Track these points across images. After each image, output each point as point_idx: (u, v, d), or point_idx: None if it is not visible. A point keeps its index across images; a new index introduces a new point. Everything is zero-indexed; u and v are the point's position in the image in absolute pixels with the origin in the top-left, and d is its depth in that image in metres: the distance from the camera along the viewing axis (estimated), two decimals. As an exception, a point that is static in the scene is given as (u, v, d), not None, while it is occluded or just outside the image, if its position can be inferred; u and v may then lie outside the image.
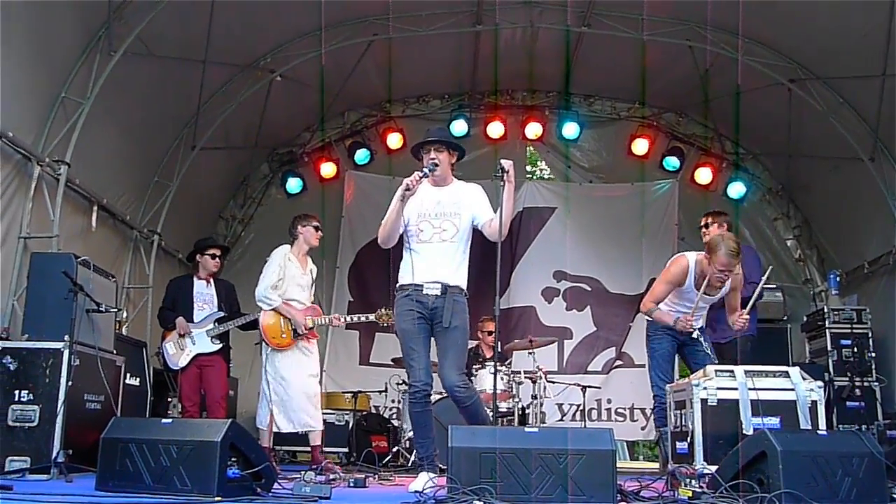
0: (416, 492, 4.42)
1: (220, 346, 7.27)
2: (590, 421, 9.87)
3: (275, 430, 6.74)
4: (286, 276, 6.84)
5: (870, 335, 8.81)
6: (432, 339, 5.19)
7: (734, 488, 4.10)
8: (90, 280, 5.94)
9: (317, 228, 7.05)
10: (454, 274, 5.16)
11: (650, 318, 6.07)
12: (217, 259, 7.51)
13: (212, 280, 7.49)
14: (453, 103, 11.24)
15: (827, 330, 8.88)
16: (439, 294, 5.07)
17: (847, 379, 8.64)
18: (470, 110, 11.15)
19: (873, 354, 8.75)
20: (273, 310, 6.77)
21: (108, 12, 6.99)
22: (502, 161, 4.99)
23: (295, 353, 6.80)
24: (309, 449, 7.10)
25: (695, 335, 5.82)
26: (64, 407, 5.37)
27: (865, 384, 8.60)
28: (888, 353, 8.97)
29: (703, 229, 6.76)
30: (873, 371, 8.72)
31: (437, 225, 5.16)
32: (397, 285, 5.26)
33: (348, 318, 7.48)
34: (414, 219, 5.17)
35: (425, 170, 5.09)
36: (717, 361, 5.76)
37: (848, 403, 8.59)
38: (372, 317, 7.07)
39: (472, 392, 5.16)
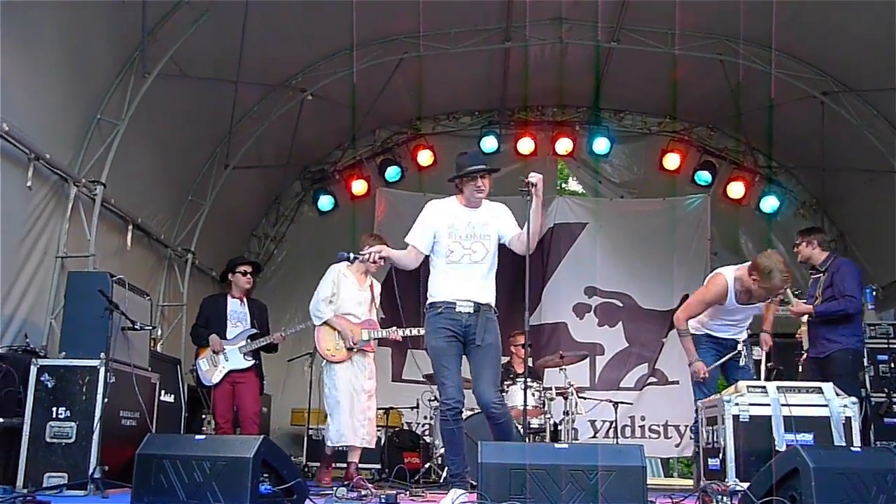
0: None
1: (253, 362, 7.35)
2: (623, 438, 9.79)
3: (328, 443, 6.88)
4: (340, 292, 7.07)
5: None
6: (463, 356, 5.20)
7: (767, 505, 4.07)
8: (125, 298, 6.04)
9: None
10: (485, 292, 5.18)
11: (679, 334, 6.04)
12: (249, 276, 7.60)
13: (245, 299, 7.60)
14: (483, 119, 11.28)
15: (863, 345, 8.74)
16: (472, 312, 5.08)
17: (884, 395, 8.49)
18: (500, 126, 11.16)
19: (858, 377, 8.59)
20: (325, 323, 6.95)
21: (143, 35, 7.12)
22: (530, 175, 5.01)
23: (349, 367, 6.97)
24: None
25: (739, 347, 5.79)
26: (100, 423, 5.44)
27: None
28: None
29: (797, 247, 6.88)
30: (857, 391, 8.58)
31: (468, 246, 5.18)
32: (428, 303, 5.27)
33: (404, 332, 7.43)
34: (445, 239, 5.19)
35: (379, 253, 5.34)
36: (755, 377, 5.73)
37: (886, 420, 8.43)
38: (416, 331, 7.08)
39: (507, 409, 5.17)
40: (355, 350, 6.98)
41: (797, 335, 6.85)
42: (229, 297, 7.55)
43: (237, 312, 7.49)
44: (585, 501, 4.02)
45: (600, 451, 4.21)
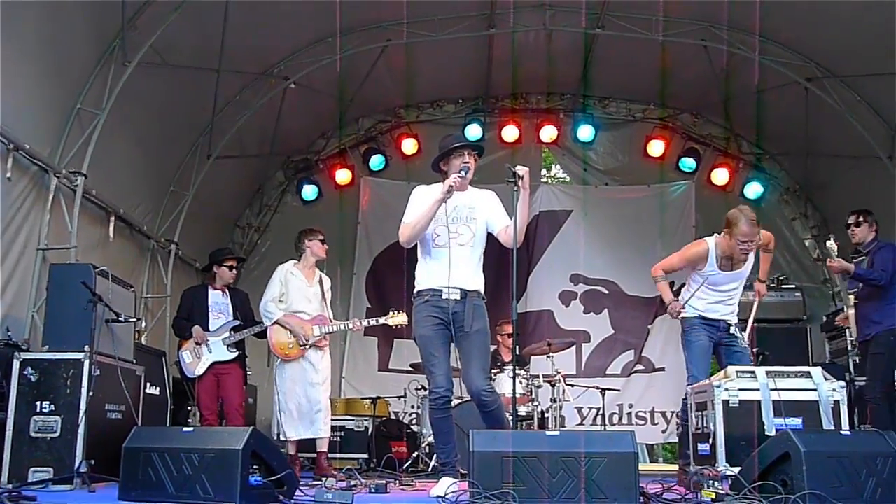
0: (439, 497, 4.41)
1: (237, 354, 7.35)
2: (610, 425, 9.83)
3: (282, 438, 6.91)
4: (290, 290, 7.16)
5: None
6: (451, 344, 5.17)
7: (757, 489, 4.06)
8: (109, 290, 5.95)
9: (322, 241, 7.32)
10: (472, 278, 5.13)
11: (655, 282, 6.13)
12: (234, 270, 7.64)
13: (227, 290, 7.59)
14: (468, 107, 11.24)
15: (847, 330, 8.79)
16: (459, 299, 5.03)
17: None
18: (484, 114, 11.13)
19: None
20: (275, 323, 7.04)
21: (122, 22, 7.01)
22: (517, 168, 4.97)
23: (300, 364, 7.04)
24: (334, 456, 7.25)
25: (732, 330, 5.79)
26: (85, 417, 5.37)
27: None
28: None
29: (854, 228, 6.95)
30: (889, 374, 8.63)
31: (454, 230, 5.12)
32: (415, 291, 5.24)
33: (364, 323, 7.51)
34: (431, 223, 5.13)
35: (462, 172, 5.06)
36: (752, 361, 5.72)
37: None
38: (382, 320, 7.21)
39: (497, 397, 5.13)
40: (308, 347, 7.03)
41: (837, 321, 7.11)
42: (210, 289, 7.53)
43: (219, 303, 7.47)
44: (577, 489, 4.00)
45: (592, 437, 4.19)
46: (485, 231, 5.23)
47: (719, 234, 5.83)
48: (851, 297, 6.73)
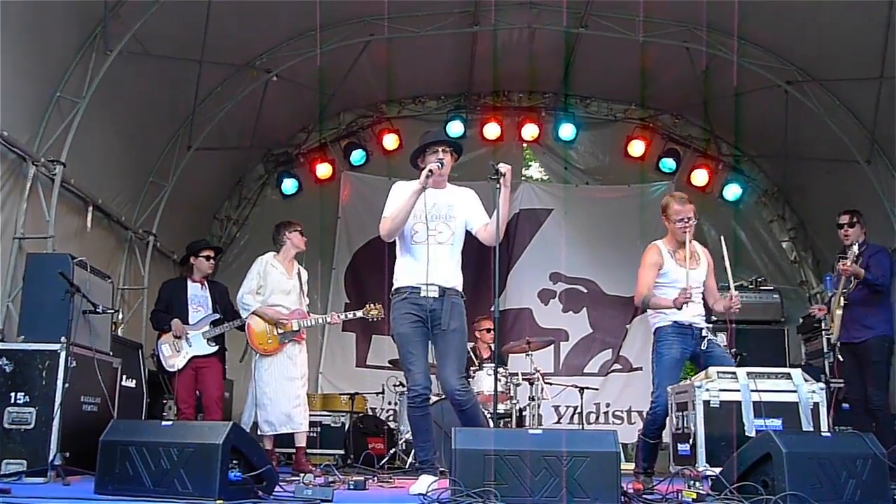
0: (420, 494, 4.40)
1: (216, 347, 7.31)
2: (588, 424, 9.85)
3: (259, 433, 6.85)
4: (268, 283, 7.10)
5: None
6: (429, 342, 5.17)
7: (739, 490, 4.09)
8: (87, 281, 5.89)
9: (301, 233, 7.28)
10: (451, 276, 5.15)
11: (648, 308, 5.88)
12: (211, 261, 7.59)
13: (206, 282, 7.55)
14: (450, 104, 11.22)
15: (823, 332, 8.85)
16: (437, 296, 5.05)
17: (843, 381, 8.62)
18: (466, 111, 11.12)
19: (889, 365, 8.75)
20: (253, 313, 7.00)
21: (104, 11, 6.90)
22: (500, 165, 4.97)
23: (279, 358, 7.01)
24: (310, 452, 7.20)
25: (704, 333, 5.70)
26: (61, 409, 5.31)
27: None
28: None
29: (848, 228, 7.01)
30: (888, 383, 8.71)
31: (433, 227, 5.13)
32: (393, 288, 5.24)
33: (342, 316, 7.57)
34: (409, 220, 5.14)
35: (438, 163, 5.06)
36: (734, 363, 5.68)
37: (843, 405, 8.56)
38: (360, 313, 7.26)
39: (472, 395, 5.15)
40: (287, 341, 7.00)
41: (813, 311, 7.23)
42: (189, 281, 7.50)
43: (198, 296, 7.44)
44: (560, 487, 4.00)
45: (574, 436, 4.20)
46: (463, 229, 5.25)
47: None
48: (842, 298, 6.71)
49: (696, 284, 5.79)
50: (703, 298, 5.95)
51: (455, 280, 5.16)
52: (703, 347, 5.69)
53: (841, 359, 6.80)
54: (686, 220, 5.71)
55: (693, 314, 5.76)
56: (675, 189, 10.91)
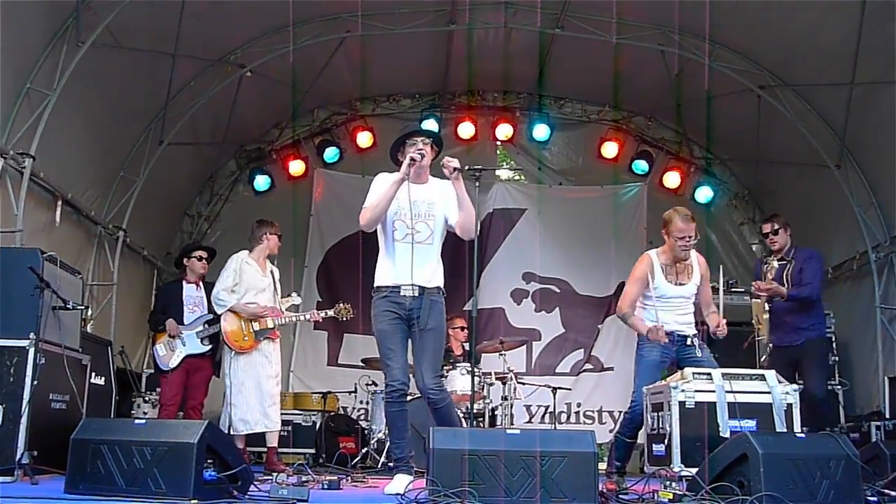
0: (398, 494, 4.37)
1: (210, 347, 7.32)
2: (559, 423, 9.87)
3: (231, 431, 6.78)
4: (244, 281, 7.09)
5: (833, 339, 8.89)
6: (409, 339, 5.15)
7: (715, 490, 4.11)
8: (57, 276, 5.78)
9: (279, 238, 7.36)
10: (431, 275, 5.12)
11: (624, 323, 5.99)
12: (204, 262, 7.60)
13: (201, 283, 7.57)
14: (424, 103, 11.20)
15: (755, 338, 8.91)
16: (416, 295, 5.03)
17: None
18: (441, 110, 11.10)
19: (836, 358, 8.86)
20: (230, 311, 6.97)
21: (77, 2, 6.82)
22: (447, 160, 4.97)
23: (254, 356, 6.97)
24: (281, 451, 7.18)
25: (689, 342, 5.74)
26: (29, 407, 5.20)
27: (828, 387, 8.67)
28: (851, 357, 9.12)
29: (773, 236, 6.89)
30: (836, 375, 8.83)
31: (412, 226, 5.10)
32: (374, 287, 5.20)
33: (314, 315, 7.61)
34: (390, 216, 5.10)
35: (418, 154, 5.03)
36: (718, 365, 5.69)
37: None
38: (331, 312, 7.33)
39: (446, 394, 5.15)
40: (262, 339, 6.99)
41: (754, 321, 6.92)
42: (185, 283, 7.54)
43: (193, 297, 7.48)
44: (537, 487, 3.99)
45: (552, 437, 4.21)
46: (444, 225, 5.22)
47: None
48: (766, 303, 6.71)
49: (686, 298, 5.89)
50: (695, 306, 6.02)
51: (436, 279, 5.13)
52: (684, 350, 5.77)
53: (767, 363, 6.70)
54: (688, 238, 5.74)
55: (680, 322, 5.84)
56: (648, 191, 11.03)
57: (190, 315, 7.35)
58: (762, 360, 6.88)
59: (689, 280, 5.89)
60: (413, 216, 5.10)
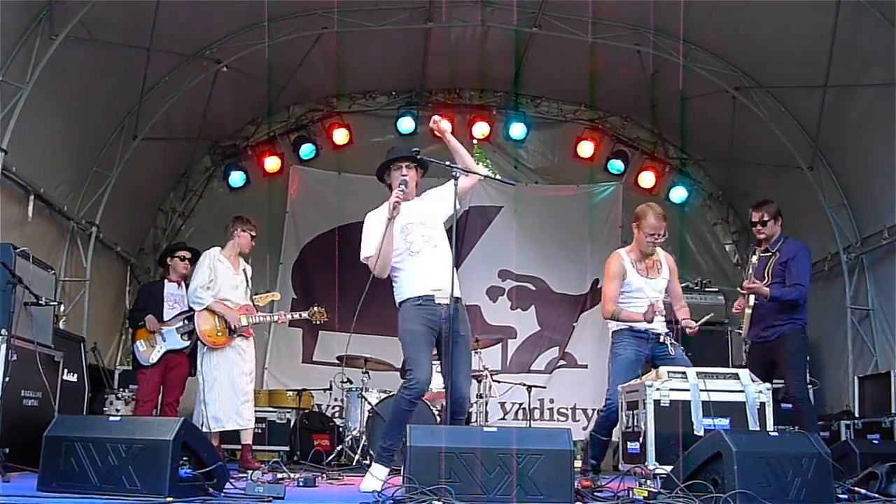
0: (375, 492, 4.37)
1: (189, 342, 7.26)
2: (533, 420, 9.90)
3: (204, 429, 6.72)
4: (218, 277, 7.10)
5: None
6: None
7: (689, 488, 4.14)
8: (29, 272, 5.72)
9: (252, 237, 7.32)
10: (454, 282, 5.00)
11: (617, 321, 5.94)
12: (186, 262, 7.60)
13: (182, 283, 7.56)
14: (401, 100, 11.17)
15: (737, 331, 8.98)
16: (448, 304, 4.95)
17: (781, 381, 8.79)
18: (417, 108, 11.05)
19: (808, 358, 8.93)
20: (206, 309, 6.99)
21: (51, -6, 6.76)
22: (435, 121, 5.33)
23: (228, 352, 6.98)
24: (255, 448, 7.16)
25: (661, 339, 5.80)
26: (0, 403, 5.15)
27: (807, 385, 8.76)
28: (821, 357, 9.22)
29: (760, 227, 6.60)
30: (806, 374, 8.90)
31: (422, 234, 5.21)
32: (403, 299, 5.17)
33: (289, 316, 7.64)
34: (399, 234, 5.15)
35: (401, 186, 5.10)
36: (692, 362, 5.73)
37: (782, 405, 8.73)
38: (305, 314, 7.34)
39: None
40: (236, 335, 6.98)
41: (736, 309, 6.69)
42: (167, 282, 7.61)
43: (174, 295, 7.51)
44: (513, 485, 4.01)
45: (529, 435, 4.23)
46: (444, 229, 5.32)
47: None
48: (752, 298, 6.41)
49: (657, 292, 5.94)
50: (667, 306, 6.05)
51: (457, 286, 5.03)
52: (658, 349, 5.81)
53: (745, 357, 6.62)
54: (657, 235, 5.82)
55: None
56: (623, 191, 11.08)
57: (170, 312, 7.38)
58: (745, 350, 6.70)
59: (659, 275, 5.99)
60: (421, 224, 5.23)
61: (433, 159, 5.43)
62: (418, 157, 5.31)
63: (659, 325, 5.88)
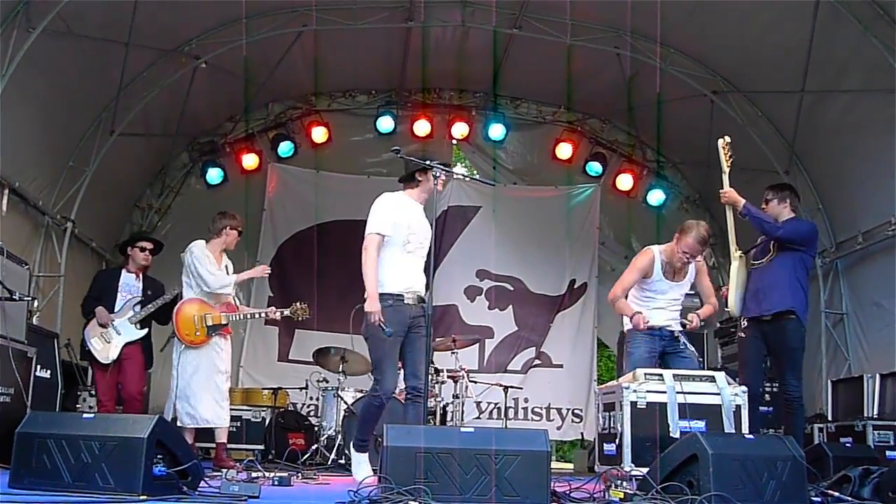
0: (351, 491, 4.35)
1: (145, 332, 7.06)
2: (507, 420, 9.92)
3: (178, 425, 6.65)
4: None
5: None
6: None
7: (665, 490, 4.16)
8: (3, 267, 5.66)
9: (238, 235, 7.21)
10: (424, 285, 5.55)
11: (613, 306, 6.14)
12: (147, 253, 7.31)
13: (141, 274, 7.30)
14: (380, 99, 11.16)
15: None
16: (415, 303, 5.44)
17: (770, 383, 8.83)
18: (397, 107, 11.08)
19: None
20: (191, 298, 6.82)
21: (28, -14, 6.68)
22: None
23: (205, 351, 6.84)
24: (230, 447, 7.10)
25: (676, 335, 5.88)
26: (-28, 399, 5.10)
27: (775, 389, 8.81)
28: (797, 360, 9.28)
29: (763, 206, 6.40)
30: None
31: (421, 241, 5.51)
32: (383, 292, 5.36)
33: (270, 313, 7.47)
34: (404, 230, 5.44)
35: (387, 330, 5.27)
36: (701, 366, 5.74)
37: (760, 408, 8.79)
38: (287, 311, 7.18)
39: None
40: (214, 334, 6.85)
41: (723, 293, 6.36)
42: (124, 271, 7.26)
43: (129, 286, 7.18)
44: (490, 486, 4.01)
45: (506, 435, 4.24)
46: None
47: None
48: (739, 251, 6.18)
49: (681, 293, 6.06)
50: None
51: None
52: (670, 345, 5.90)
53: (744, 335, 6.24)
54: (690, 257, 5.87)
55: (666, 318, 5.98)
56: (601, 193, 11.11)
57: (122, 303, 7.06)
58: (742, 328, 6.29)
59: (685, 279, 6.06)
60: (421, 229, 5.52)
61: (413, 158, 5.56)
62: (398, 155, 5.56)
63: (674, 323, 5.97)
